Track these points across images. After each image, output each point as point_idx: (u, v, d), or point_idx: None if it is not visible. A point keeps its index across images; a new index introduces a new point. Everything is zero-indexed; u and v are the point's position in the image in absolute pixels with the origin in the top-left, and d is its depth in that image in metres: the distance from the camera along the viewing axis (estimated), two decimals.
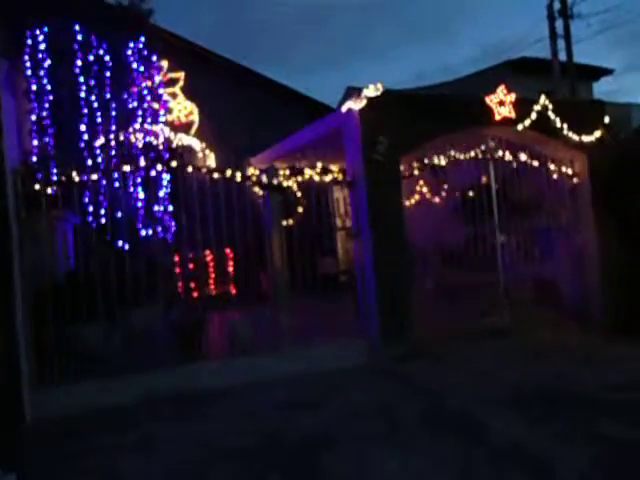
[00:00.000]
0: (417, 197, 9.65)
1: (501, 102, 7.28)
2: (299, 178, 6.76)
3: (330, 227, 9.38)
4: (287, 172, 6.69)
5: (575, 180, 8.13)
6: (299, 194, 7.27)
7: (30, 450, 4.69)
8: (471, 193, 8.04)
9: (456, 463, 3.83)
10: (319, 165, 6.70)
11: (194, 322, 6.14)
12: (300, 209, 7.49)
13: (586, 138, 7.86)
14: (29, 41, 7.57)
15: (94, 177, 5.65)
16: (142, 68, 8.06)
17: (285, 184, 6.72)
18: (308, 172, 6.75)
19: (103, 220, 6.64)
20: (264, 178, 6.54)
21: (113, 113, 7.69)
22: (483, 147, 7.62)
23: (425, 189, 9.64)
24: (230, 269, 8.59)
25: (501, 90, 7.31)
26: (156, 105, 9.27)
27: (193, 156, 10.17)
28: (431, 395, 5.33)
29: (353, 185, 6.75)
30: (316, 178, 6.76)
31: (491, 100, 7.26)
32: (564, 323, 7.62)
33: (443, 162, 7.32)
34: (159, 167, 6.26)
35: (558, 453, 3.88)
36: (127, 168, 6.06)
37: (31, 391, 5.36)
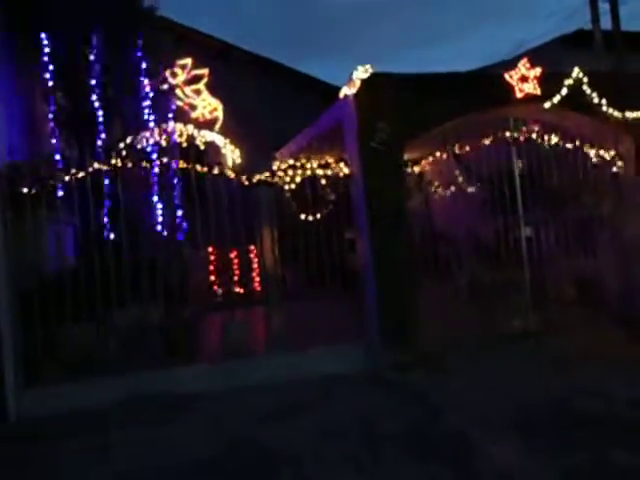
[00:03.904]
0: (446, 186, 8.92)
1: (523, 78, 6.44)
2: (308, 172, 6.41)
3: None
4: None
5: (620, 164, 7.12)
6: (326, 188, 6.87)
7: None
8: (493, 182, 7.25)
9: None
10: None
11: (185, 323, 5.93)
12: (329, 203, 7.09)
13: (631, 115, 6.83)
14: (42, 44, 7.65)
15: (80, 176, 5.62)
16: (152, 67, 7.97)
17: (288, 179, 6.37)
18: (309, 166, 6.37)
19: (105, 220, 6.58)
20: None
21: (119, 114, 7.69)
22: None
23: (455, 177, 8.89)
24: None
25: (523, 64, 6.46)
26: (179, 103, 9.21)
27: (216, 152, 10.03)
28: (425, 412, 4.72)
29: (351, 178, 6.25)
30: (319, 172, 6.36)
31: (511, 76, 6.45)
32: (604, 326, 6.69)
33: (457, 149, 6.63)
34: (149, 166, 6.13)
35: None
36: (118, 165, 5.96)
37: (17, 391, 5.37)
